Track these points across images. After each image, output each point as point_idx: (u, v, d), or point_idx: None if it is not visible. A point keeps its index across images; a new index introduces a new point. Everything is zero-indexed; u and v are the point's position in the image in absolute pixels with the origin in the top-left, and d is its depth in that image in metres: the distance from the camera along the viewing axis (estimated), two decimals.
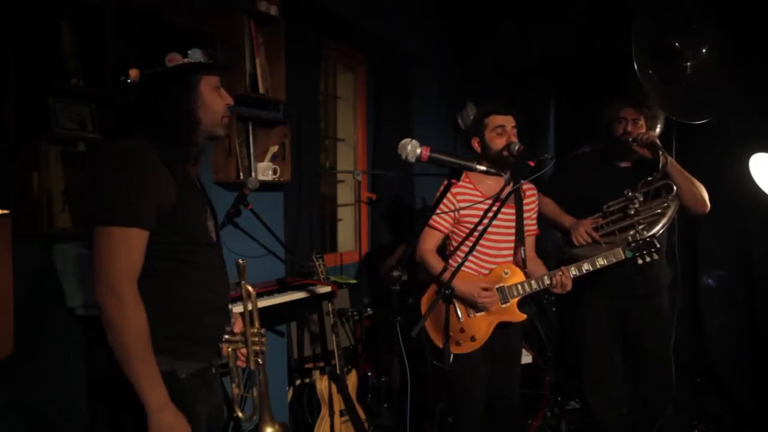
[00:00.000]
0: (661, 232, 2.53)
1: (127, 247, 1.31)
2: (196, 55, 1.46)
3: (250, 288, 1.59)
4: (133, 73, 1.42)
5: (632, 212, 2.55)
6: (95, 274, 1.30)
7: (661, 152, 2.53)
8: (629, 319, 2.74)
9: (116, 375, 1.33)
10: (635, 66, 2.60)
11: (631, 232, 2.48)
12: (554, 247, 4.32)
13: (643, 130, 2.65)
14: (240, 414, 1.62)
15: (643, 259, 2.36)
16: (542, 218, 2.75)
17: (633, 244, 2.38)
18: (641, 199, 2.57)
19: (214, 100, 1.51)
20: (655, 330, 2.74)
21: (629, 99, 2.71)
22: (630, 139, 2.60)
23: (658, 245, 2.36)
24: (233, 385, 1.59)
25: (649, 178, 2.58)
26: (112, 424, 1.41)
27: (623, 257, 2.36)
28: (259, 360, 1.59)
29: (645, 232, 2.46)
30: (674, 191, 2.56)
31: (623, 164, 2.76)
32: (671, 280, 2.85)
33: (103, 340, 1.35)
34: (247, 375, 1.65)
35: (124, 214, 1.31)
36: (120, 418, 1.40)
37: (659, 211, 2.56)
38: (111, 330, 1.30)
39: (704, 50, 2.72)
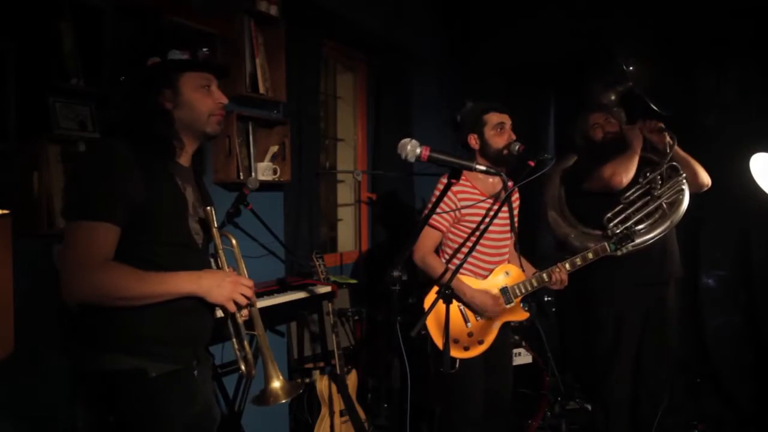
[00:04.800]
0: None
1: (92, 239, 1.35)
2: (174, 56, 1.49)
3: (230, 237, 1.61)
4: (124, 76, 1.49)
5: (657, 194, 2.66)
6: (61, 265, 1.36)
7: (668, 134, 2.65)
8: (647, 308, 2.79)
9: (94, 371, 1.38)
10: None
11: (658, 215, 2.60)
12: (553, 248, 4.33)
13: (616, 128, 2.83)
14: (242, 367, 1.59)
15: (622, 251, 2.47)
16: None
17: (614, 238, 2.49)
18: (660, 181, 2.69)
19: (196, 99, 1.52)
20: (661, 321, 2.79)
21: (592, 106, 2.95)
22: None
23: (635, 239, 2.48)
24: (234, 341, 1.58)
25: (657, 164, 2.69)
26: (93, 421, 1.43)
27: (609, 251, 2.47)
28: (245, 312, 1.57)
29: (672, 212, 2.63)
30: (680, 171, 2.67)
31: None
32: (681, 272, 2.91)
33: (78, 336, 1.41)
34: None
35: (90, 210, 1.35)
36: (97, 415, 1.42)
37: (679, 188, 2.68)
38: (106, 301, 1.36)
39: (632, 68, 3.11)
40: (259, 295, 2.55)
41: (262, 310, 2.45)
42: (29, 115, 2.00)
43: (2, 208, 1.15)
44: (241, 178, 2.72)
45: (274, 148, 2.94)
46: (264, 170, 2.86)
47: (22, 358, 1.33)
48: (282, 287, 2.76)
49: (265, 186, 2.81)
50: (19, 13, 1.96)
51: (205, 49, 1.57)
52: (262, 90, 2.80)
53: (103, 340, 1.40)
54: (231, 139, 2.68)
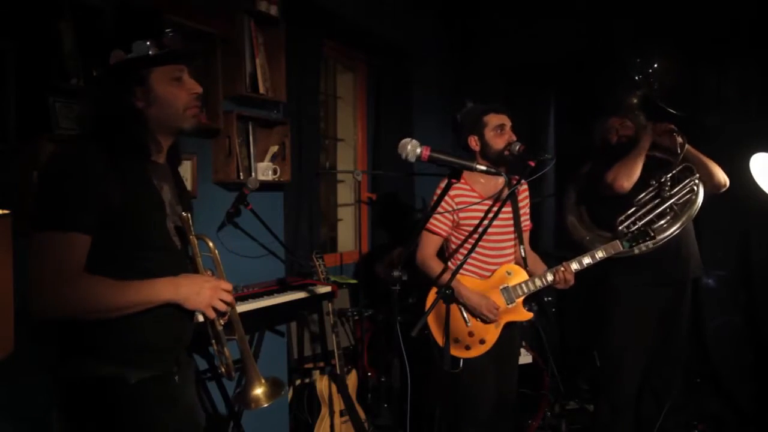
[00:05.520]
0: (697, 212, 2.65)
1: (64, 251, 1.28)
2: (140, 49, 1.39)
3: (207, 240, 1.53)
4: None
5: (667, 196, 2.64)
6: (32, 278, 1.27)
7: (678, 135, 2.62)
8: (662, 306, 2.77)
9: (71, 377, 1.35)
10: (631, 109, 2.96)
11: (670, 216, 2.59)
12: (553, 247, 4.33)
13: (631, 132, 2.79)
14: (222, 369, 1.57)
15: (639, 249, 2.42)
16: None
17: (629, 235, 2.43)
18: (670, 183, 2.67)
19: (170, 93, 1.43)
20: (674, 321, 2.77)
21: (611, 110, 2.91)
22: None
23: (653, 234, 2.41)
24: (213, 343, 1.55)
25: (670, 165, 2.67)
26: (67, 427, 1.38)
27: (621, 248, 2.41)
28: (225, 318, 1.53)
29: (684, 212, 2.61)
30: (694, 172, 2.65)
31: None
32: (700, 271, 2.90)
33: (57, 342, 1.36)
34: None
35: (59, 219, 1.28)
36: (75, 422, 1.37)
37: (690, 188, 2.66)
38: (81, 314, 1.30)
39: (655, 65, 3.13)
40: (259, 295, 2.55)
41: (263, 310, 2.48)
42: (29, 115, 1.99)
43: (2, 208, 1.15)
44: (241, 178, 2.72)
45: (274, 148, 2.94)
46: (264, 170, 2.86)
47: (22, 358, 1.33)
48: (282, 287, 2.76)
49: (265, 186, 2.81)
50: (19, 13, 1.96)
51: (169, 31, 1.45)
52: (262, 90, 2.80)
53: (84, 346, 1.36)
54: (231, 139, 2.68)
